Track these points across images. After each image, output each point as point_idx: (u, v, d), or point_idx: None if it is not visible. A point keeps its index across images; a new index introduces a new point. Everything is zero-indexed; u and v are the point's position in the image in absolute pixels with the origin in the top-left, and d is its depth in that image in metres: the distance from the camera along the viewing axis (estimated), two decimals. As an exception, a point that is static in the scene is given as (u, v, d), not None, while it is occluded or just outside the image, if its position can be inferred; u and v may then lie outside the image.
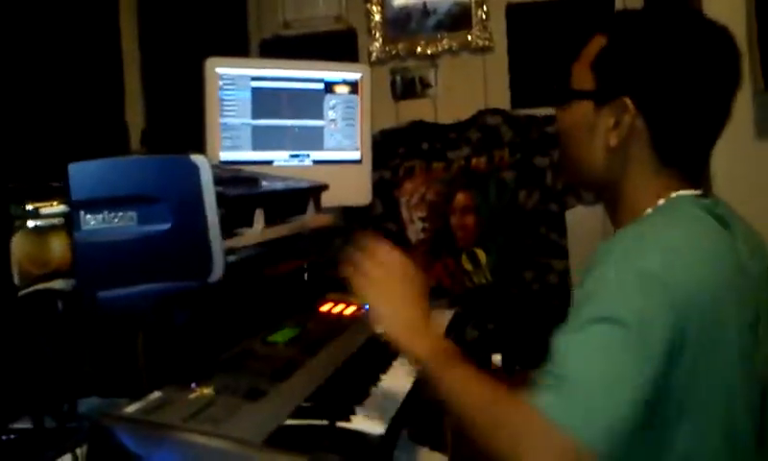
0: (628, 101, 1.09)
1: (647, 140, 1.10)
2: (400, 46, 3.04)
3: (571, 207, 2.83)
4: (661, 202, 1.09)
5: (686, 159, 1.12)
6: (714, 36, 1.10)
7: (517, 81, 2.97)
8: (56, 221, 1.11)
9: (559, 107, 1.22)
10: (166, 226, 1.08)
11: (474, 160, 2.87)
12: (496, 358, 1.90)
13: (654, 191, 1.11)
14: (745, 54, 1.22)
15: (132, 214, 1.07)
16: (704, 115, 1.09)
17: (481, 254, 2.83)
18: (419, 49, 3.02)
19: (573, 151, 1.19)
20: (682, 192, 1.10)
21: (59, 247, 1.12)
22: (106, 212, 1.05)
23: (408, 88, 3.05)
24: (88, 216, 1.04)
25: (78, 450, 1.00)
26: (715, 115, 1.10)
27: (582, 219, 2.87)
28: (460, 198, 2.86)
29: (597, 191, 1.24)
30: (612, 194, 1.17)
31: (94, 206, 1.04)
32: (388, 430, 1.12)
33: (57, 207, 1.11)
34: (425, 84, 3.04)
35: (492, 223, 2.83)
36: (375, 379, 1.31)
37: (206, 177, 1.13)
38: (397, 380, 1.33)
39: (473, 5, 3.00)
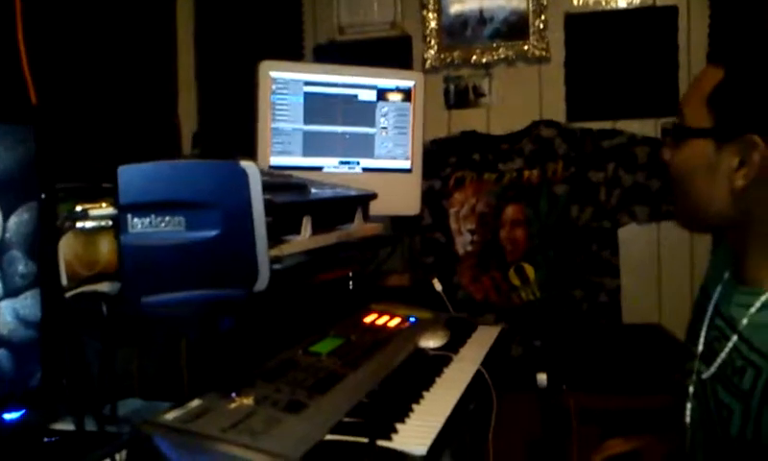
0: (757, 138, 1.04)
1: None
2: (455, 54, 3.00)
3: (624, 225, 2.76)
4: None
5: None
6: None
7: (574, 93, 2.91)
8: (104, 223, 1.11)
9: (672, 146, 1.16)
10: (214, 232, 1.07)
11: (526, 173, 2.82)
12: (542, 377, 1.85)
13: None
14: None
15: (180, 219, 1.05)
16: None
17: (529, 270, 2.77)
18: (474, 57, 2.98)
19: (691, 193, 1.13)
20: None
21: (106, 249, 1.12)
22: (153, 216, 1.04)
23: (461, 97, 3.01)
24: (136, 220, 1.03)
25: (117, 456, 0.99)
26: None
27: (635, 238, 2.81)
28: (510, 211, 2.81)
29: (721, 232, 1.20)
30: (742, 235, 1.12)
31: (142, 209, 1.03)
32: (430, 450, 1.09)
33: (105, 209, 1.10)
34: (479, 94, 3.00)
35: (542, 237, 2.78)
36: (418, 396, 1.29)
37: (256, 184, 1.11)
38: (441, 398, 1.30)
39: (531, 14, 2.95)
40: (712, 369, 1.15)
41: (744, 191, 1.07)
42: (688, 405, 1.21)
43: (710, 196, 1.10)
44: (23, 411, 1.00)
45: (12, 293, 0.97)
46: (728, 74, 1.08)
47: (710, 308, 1.20)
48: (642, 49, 2.83)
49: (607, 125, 2.84)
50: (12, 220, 0.97)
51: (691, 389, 1.20)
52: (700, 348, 1.20)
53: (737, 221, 1.11)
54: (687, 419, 1.21)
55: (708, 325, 1.20)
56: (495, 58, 2.97)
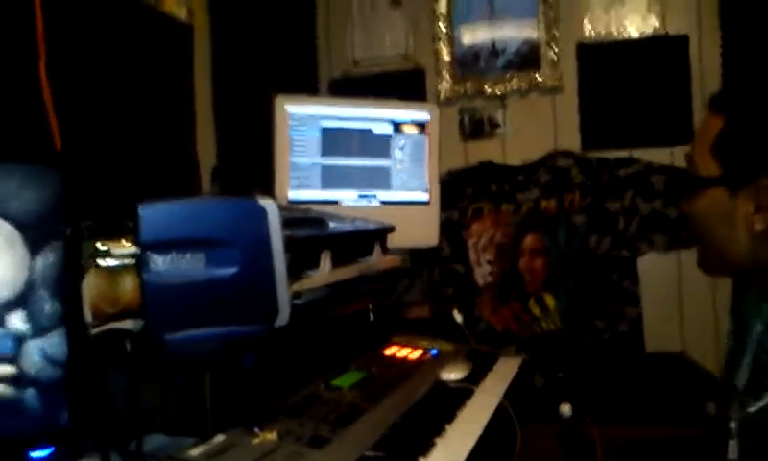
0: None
1: None
2: (469, 85, 3.02)
3: (644, 254, 2.75)
4: None
5: None
6: None
7: (588, 122, 2.92)
8: (126, 261, 1.12)
9: (687, 197, 1.17)
10: (234, 269, 1.07)
11: (544, 203, 2.82)
12: (565, 408, 1.83)
13: None
14: None
15: (201, 257, 1.06)
16: None
17: (549, 300, 2.76)
18: (487, 89, 3.00)
19: (713, 241, 1.14)
20: None
21: (129, 286, 1.13)
22: (174, 254, 1.05)
23: (476, 128, 3.02)
24: (157, 257, 1.04)
25: (143, 493, 1.00)
26: None
27: (655, 266, 2.79)
28: (529, 241, 2.81)
29: (750, 277, 1.19)
30: None
31: (163, 247, 1.04)
32: (453, 485, 1.08)
33: (127, 248, 1.11)
34: (494, 125, 3.01)
35: (561, 267, 2.77)
36: (440, 430, 1.28)
37: (274, 221, 1.12)
38: (464, 432, 1.29)
39: (543, 44, 2.97)
40: (762, 402, 1.13)
41: (764, 234, 1.07)
42: (731, 442, 1.19)
43: (731, 242, 1.10)
44: (51, 449, 1.01)
45: (39, 332, 0.98)
46: (728, 121, 1.08)
47: (752, 342, 1.19)
48: (655, 77, 2.84)
49: (622, 154, 2.84)
50: (39, 260, 0.98)
51: (734, 425, 1.18)
52: (743, 381, 1.18)
53: (762, 263, 1.10)
54: (733, 456, 1.19)
55: (751, 358, 1.18)
56: (509, 89, 2.99)
